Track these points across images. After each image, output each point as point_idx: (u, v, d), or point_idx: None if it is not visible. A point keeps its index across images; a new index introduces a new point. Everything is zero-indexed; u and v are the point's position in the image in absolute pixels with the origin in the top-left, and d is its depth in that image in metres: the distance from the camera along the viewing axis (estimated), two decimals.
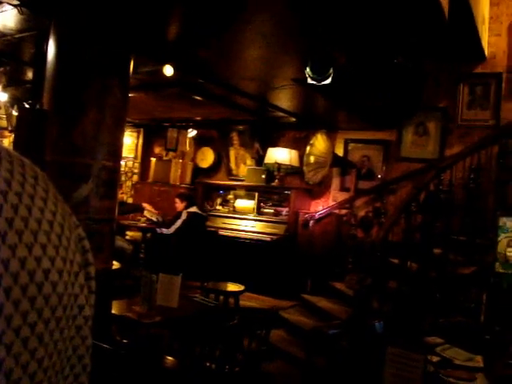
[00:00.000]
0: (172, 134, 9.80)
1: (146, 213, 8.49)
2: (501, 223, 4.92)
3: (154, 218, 8.38)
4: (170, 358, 3.59)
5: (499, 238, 4.89)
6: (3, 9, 4.15)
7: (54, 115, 3.85)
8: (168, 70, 5.38)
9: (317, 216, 7.70)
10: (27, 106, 4.06)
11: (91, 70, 3.76)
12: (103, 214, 3.98)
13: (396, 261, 5.32)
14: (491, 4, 6.77)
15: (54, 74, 3.87)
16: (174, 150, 9.91)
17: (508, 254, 4.81)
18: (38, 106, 4.02)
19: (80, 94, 3.76)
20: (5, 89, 6.29)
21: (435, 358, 3.18)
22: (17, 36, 4.82)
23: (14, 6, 3.86)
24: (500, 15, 6.81)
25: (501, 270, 4.80)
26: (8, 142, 11.45)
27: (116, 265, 4.87)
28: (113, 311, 3.94)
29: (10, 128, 8.76)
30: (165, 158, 10.09)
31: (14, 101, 6.66)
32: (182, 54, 5.26)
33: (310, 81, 4.46)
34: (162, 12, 4.11)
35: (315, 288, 7.07)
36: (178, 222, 7.82)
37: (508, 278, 4.74)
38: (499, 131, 6.06)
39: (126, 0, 3.84)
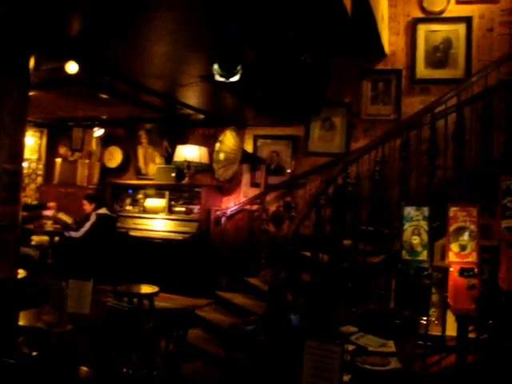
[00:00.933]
0: (77, 133, 9.50)
1: (60, 215, 8.14)
2: (405, 213, 5.16)
3: (70, 221, 8.02)
4: (84, 367, 3.47)
5: (404, 227, 5.12)
6: None
7: None
8: (71, 67, 5.19)
9: (228, 213, 7.72)
10: None
11: None
12: (6, 220, 3.78)
13: (308, 254, 5.43)
14: (389, 5, 7.09)
15: None
16: (80, 151, 9.62)
17: (413, 241, 5.05)
18: None
19: None
20: None
21: (351, 347, 3.28)
22: None
23: None
24: (397, 15, 7.14)
25: (407, 257, 5.04)
26: None
27: (21, 273, 4.66)
28: (20, 322, 3.76)
29: None
30: (70, 159, 9.76)
31: None
32: (87, 51, 5.09)
33: (218, 78, 4.44)
34: (62, 8, 3.96)
35: (230, 285, 7.08)
36: (87, 225, 7.58)
37: (414, 264, 4.97)
38: (400, 125, 6.34)
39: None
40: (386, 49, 7.11)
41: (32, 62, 3.99)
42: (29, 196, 9.82)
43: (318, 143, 7.67)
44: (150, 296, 5.81)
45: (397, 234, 5.24)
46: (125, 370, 3.47)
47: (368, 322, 3.91)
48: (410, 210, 5.13)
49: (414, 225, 5.08)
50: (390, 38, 7.17)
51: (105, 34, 4.58)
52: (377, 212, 5.72)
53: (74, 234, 7.61)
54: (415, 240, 5.03)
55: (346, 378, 2.71)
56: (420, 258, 4.98)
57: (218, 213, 7.76)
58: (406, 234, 5.09)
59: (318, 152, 7.63)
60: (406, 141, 5.80)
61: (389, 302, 5.45)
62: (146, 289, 5.87)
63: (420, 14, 7.08)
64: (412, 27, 7.07)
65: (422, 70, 7.04)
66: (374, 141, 6.04)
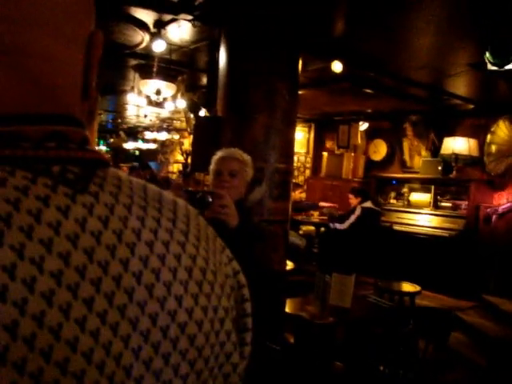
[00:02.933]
0: (343, 130, 9.73)
1: (324, 210, 8.54)
2: None
3: (332, 212, 8.30)
4: (338, 363, 3.55)
5: None
6: (179, 24, 4.43)
7: (226, 121, 4.01)
8: (337, 66, 5.34)
9: (500, 210, 7.14)
10: (203, 114, 4.28)
11: (259, 74, 3.86)
12: (277, 216, 4.07)
13: None
14: None
15: (225, 81, 4.03)
16: (347, 147, 9.83)
17: None
18: (212, 114, 4.23)
19: (248, 100, 3.87)
20: (182, 95, 6.72)
21: None
22: (192, 47, 5.12)
23: (189, 20, 4.08)
24: None
25: None
26: (188, 142, 12.29)
27: (290, 265, 4.95)
28: (287, 310, 4.01)
29: (189, 130, 9.36)
30: (337, 152, 10.05)
31: (192, 105, 7.08)
32: (349, 48, 5.19)
33: (490, 67, 4.13)
34: (327, 9, 4.08)
35: (498, 289, 6.55)
36: (352, 218, 7.72)
37: None
38: None
39: (292, 2, 3.87)
40: None
41: (300, 64, 4.21)
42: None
43: None
44: (412, 295, 5.68)
45: None
46: (381, 367, 3.46)
47: None
48: None
49: None
50: None
51: (368, 31, 4.59)
52: None
53: (338, 225, 7.82)
54: None
55: None
56: None
57: (488, 210, 7.24)
58: None
59: None
60: None
61: None
62: (407, 287, 5.76)
63: None
64: None
65: None
66: None
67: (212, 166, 2.39)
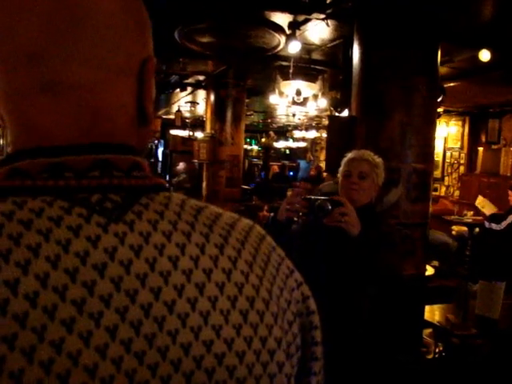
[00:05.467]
0: (493, 125, 9.03)
1: (482, 203, 7.96)
2: None
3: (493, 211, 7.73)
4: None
5: None
6: (316, 23, 4.39)
7: (361, 120, 3.90)
8: (484, 55, 5.01)
9: None
10: (336, 113, 4.21)
11: (393, 70, 3.69)
12: (415, 218, 3.88)
13: None
14: None
15: (358, 79, 3.92)
16: (497, 143, 9.11)
17: None
18: (347, 113, 4.13)
19: (383, 97, 3.72)
20: (324, 94, 6.67)
21: None
22: (329, 45, 5.07)
23: (321, 19, 4.04)
24: None
25: None
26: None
27: (429, 270, 4.71)
28: (426, 317, 3.82)
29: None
30: (494, 147, 9.35)
31: (335, 103, 6.99)
32: (500, 35, 4.79)
33: None
34: None
35: None
36: (510, 218, 7.14)
37: None
38: None
39: None
40: None
41: (438, 58, 3.96)
42: (451, 185, 9.88)
43: None
44: None
45: None
46: None
47: None
48: None
49: None
50: None
51: None
52: None
53: (495, 226, 7.28)
54: None
55: None
56: None
57: None
58: None
59: None
60: None
61: None
62: None
63: None
64: None
65: None
66: None
67: (341, 168, 2.32)
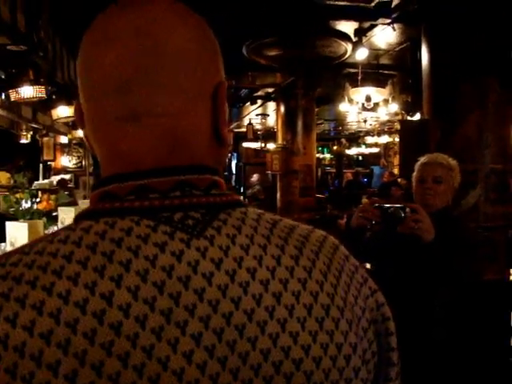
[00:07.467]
0: None
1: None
2: None
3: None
4: None
5: None
6: (382, 28, 4.35)
7: (434, 123, 3.83)
8: None
9: None
10: (408, 117, 4.14)
11: (464, 70, 3.60)
12: (495, 221, 3.75)
13: None
14: None
15: (429, 82, 3.85)
16: None
17: None
18: (419, 116, 4.06)
19: (455, 98, 3.63)
20: (394, 99, 6.56)
21: None
22: (397, 49, 4.99)
23: (387, 24, 4.00)
24: None
25: None
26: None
27: None
28: None
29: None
30: None
31: (407, 106, 6.87)
32: None
33: None
34: None
35: None
36: None
37: None
38: None
39: None
40: None
41: None
42: None
43: None
44: None
45: None
46: None
47: None
48: None
49: None
50: None
51: None
52: None
53: None
54: None
55: None
56: None
57: None
58: None
59: None
60: None
61: None
62: None
63: None
64: None
65: None
66: None
67: (415, 173, 2.26)
